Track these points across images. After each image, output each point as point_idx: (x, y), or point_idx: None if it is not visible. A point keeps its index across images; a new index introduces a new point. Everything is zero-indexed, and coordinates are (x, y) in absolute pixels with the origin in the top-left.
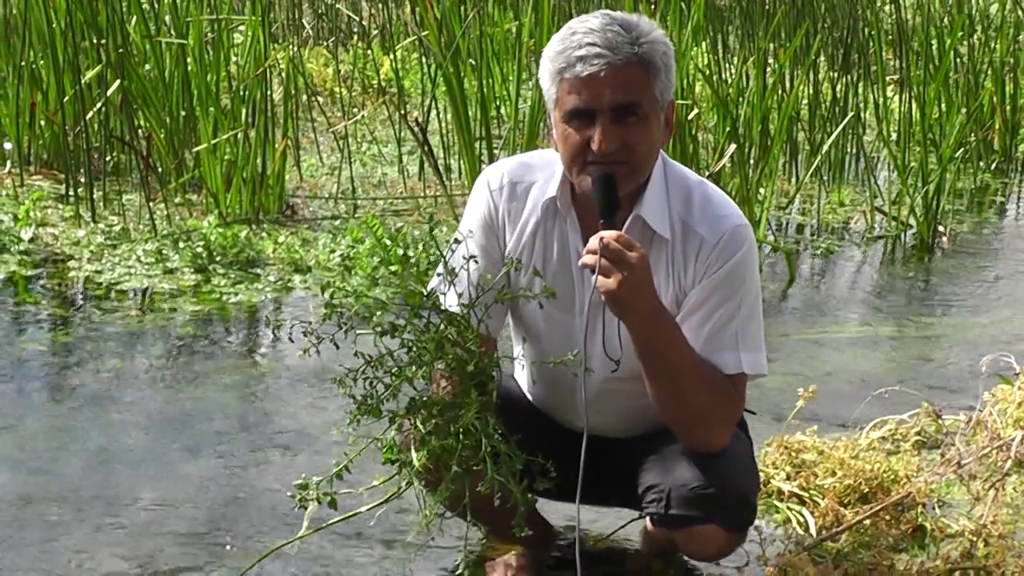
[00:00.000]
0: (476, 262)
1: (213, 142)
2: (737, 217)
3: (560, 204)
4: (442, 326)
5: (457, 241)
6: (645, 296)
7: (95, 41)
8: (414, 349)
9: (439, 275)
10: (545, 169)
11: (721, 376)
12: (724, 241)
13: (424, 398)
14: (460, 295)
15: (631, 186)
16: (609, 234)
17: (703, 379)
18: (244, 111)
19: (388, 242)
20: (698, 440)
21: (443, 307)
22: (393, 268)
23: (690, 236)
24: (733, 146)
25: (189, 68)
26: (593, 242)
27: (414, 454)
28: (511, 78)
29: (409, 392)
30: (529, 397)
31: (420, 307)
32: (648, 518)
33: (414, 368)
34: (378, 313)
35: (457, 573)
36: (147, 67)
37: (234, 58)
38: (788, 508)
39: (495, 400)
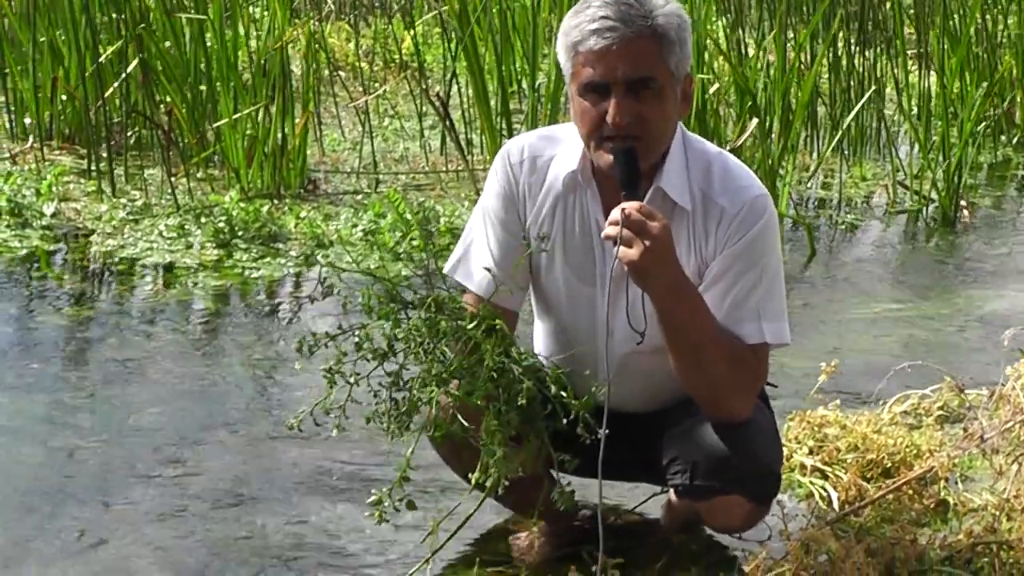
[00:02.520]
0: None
1: (234, 117)
2: (757, 188)
3: (581, 177)
4: (423, 315)
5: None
6: (667, 266)
7: (115, 16)
8: (413, 344)
9: (456, 259)
10: (565, 142)
11: (743, 346)
12: (745, 211)
13: (442, 372)
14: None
15: (647, 161)
16: (631, 205)
17: (725, 349)
18: (265, 86)
19: (409, 216)
20: (721, 410)
21: (408, 300)
22: (415, 243)
23: (710, 207)
24: (755, 121)
25: (209, 43)
26: (615, 214)
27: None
28: (531, 52)
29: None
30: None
31: (391, 315)
32: (672, 490)
33: (428, 366)
34: (367, 342)
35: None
36: (167, 44)
37: (255, 33)
38: (811, 483)
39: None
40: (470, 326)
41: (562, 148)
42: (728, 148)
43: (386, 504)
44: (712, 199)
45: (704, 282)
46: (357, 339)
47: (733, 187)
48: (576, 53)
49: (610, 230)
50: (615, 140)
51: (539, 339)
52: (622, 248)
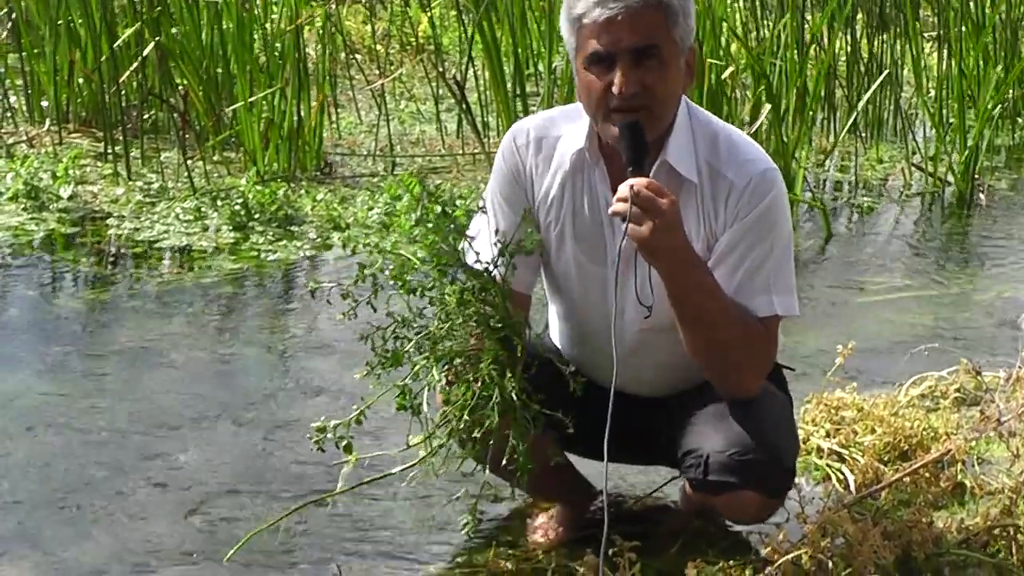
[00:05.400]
0: (498, 233)
1: (250, 100)
2: (764, 161)
3: (589, 154)
4: (465, 280)
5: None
6: (677, 242)
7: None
8: (438, 305)
9: (470, 237)
10: (570, 122)
11: (754, 319)
12: (753, 185)
13: (446, 348)
14: (478, 254)
15: (655, 131)
16: (639, 181)
17: (736, 323)
18: (281, 69)
19: (425, 200)
20: (732, 384)
21: (466, 263)
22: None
23: (718, 180)
24: (768, 106)
25: (225, 26)
26: (623, 190)
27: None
28: (547, 34)
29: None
30: (566, 356)
31: (446, 263)
32: (687, 482)
33: (438, 324)
34: (403, 272)
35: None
36: (175, 30)
37: (272, 16)
38: (827, 465)
39: (521, 356)
40: (493, 322)
41: (568, 127)
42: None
43: (328, 436)
44: (720, 172)
45: (714, 256)
46: (399, 264)
47: (740, 160)
48: (580, 26)
49: (618, 206)
50: (622, 111)
51: (553, 321)
52: (631, 226)
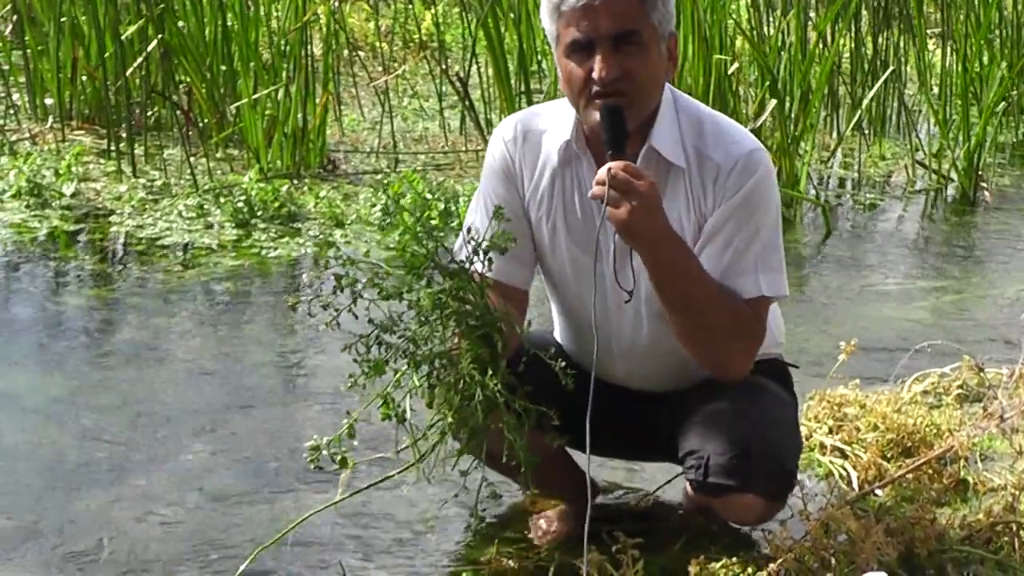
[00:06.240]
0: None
1: (254, 97)
2: (751, 142)
3: (576, 146)
4: (442, 281)
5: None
6: (656, 224)
7: None
8: (416, 309)
9: (460, 244)
10: (556, 116)
11: (740, 301)
12: (740, 166)
13: (425, 352)
14: (452, 253)
15: (638, 116)
16: (617, 164)
17: (721, 305)
18: (285, 66)
19: (428, 196)
20: (720, 367)
21: (441, 264)
22: (434, 222)
23: (705, 164)
24: (773, 102)
25: (229, 23)
26: (601, 173)
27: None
28: None
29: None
30: (568, 352)
31: (420, 267)
32: (687, 483)
33: (418, 327)
34: (378, 277)
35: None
36: (181, 23)
37: (276, 13)
38: (830, 462)
39: (504, 351)
40: (471, 320)
41: (554, 122)
42: (748, 128)
43: (323, 453)
44: (706, 155)
45: (702, 238)
46: (373, 273)
47: (726, 143)
48: (559, 15)
49: (596, 190)
50: (604, 97)
51: (554, 317)
52: (610, 208)
